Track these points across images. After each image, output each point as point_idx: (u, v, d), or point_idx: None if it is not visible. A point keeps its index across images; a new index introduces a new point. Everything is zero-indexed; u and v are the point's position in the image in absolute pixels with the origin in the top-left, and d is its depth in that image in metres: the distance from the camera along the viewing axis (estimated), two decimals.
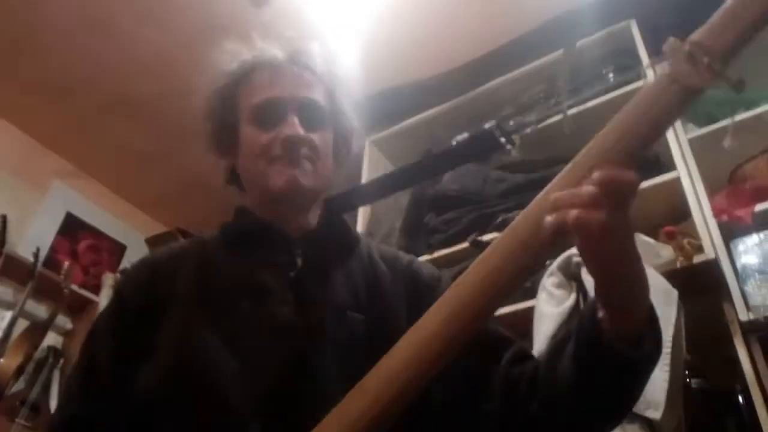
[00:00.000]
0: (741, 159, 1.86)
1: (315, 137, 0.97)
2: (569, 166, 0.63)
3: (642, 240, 1.69)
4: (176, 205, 3.32)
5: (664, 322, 1.48)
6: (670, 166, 1.84)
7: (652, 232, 1.78)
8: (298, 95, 0.98)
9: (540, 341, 1.55)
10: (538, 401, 0.77)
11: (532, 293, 1.74)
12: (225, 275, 0.91)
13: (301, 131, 0.95)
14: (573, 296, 1.62)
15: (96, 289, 2.92)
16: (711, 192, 1.82)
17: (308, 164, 0.95)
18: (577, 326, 0.72)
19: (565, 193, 0.60)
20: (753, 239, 1.65)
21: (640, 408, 1.39)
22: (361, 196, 1.41)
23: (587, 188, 0.58)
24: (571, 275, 1.63)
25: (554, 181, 0.64)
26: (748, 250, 1.64)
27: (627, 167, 0.59)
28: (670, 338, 1.44)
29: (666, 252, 1.63)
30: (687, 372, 1.68)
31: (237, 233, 0.98)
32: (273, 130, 0.95)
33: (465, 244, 2.01)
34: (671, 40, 0.59)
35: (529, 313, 1.68)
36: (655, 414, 1.34)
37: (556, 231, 0.60)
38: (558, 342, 0.78)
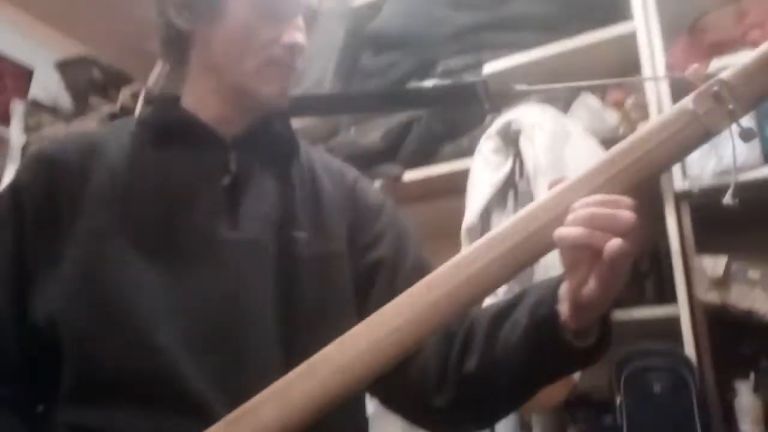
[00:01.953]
0: (707, 8, 1.71)
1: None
2: (573, 180, 0.61)
3: (588, 103, 1.59)
4: (89, 19, 2.95)
5: None
6: (628, 15, 1.67)
7: (599, 90, 1.67)
8: None
9: (471, 213, 1.51)
10: (475, 361, 0.74)
11: (470, 152, 1.67)
12: (146, 178, 0.80)
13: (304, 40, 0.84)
14: (509, 164, 1.55)
15: (4, 120, 2.68)
16: (669, 46, 1.68)
17: (293, 75, 0.86)
18: (532, 307, 0.69)
19: (601, 213, 0.57)
20: None
21: None
22: (310, 106, 1.27)
23: (627, 214, 0.56)
24: (509, 141, 1.54)
25: (560, 190, 0.61)
26: None
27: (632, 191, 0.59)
28: None
29: (611, 118, 1.54)
30: None
31: (160, 128, 0.84)
32: (276, 26, 0.82)
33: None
34: (696, 67, 0.59)
35: (465, 176, 1.62)
36: None
37: (575, 247, 0.57)
38: (501, 308, 0.74)
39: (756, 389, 1.52)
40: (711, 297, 1.43)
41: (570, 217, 0.58)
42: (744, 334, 1.52)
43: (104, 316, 0.71)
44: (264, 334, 0.73)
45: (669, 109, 1.45)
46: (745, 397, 1.52)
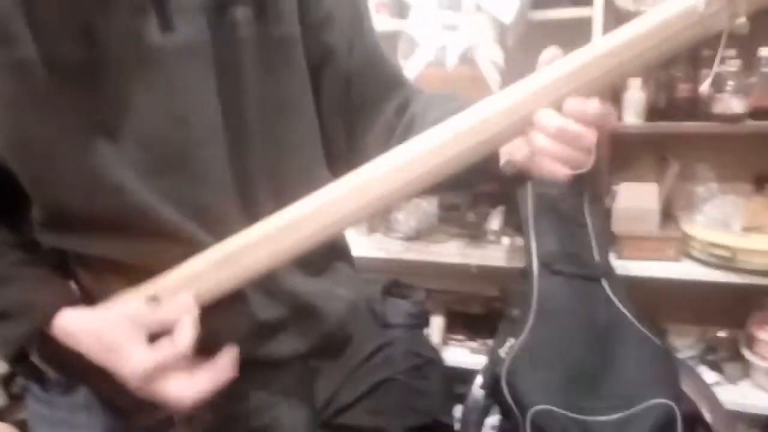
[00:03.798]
0: None
1: None
2: (563, 65, 0.59)
3: None
4: None
5: None
6: None
7: None
8: None
9: None
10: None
11: None
12: None
13: None
14: None
15: None
16: None
17: None
18: None
19: (570, 131, 0.57)
20: None
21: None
22: None
23: (591, 137, 0.57)
24: None
25: (550, 77, 0.59)
26: None
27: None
28: None
29: None
30: None
31: None
32: None
33: None
34: None
35: None
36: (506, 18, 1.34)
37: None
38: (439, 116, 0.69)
39: (643, 85, 1.68)
40: (625, 2, 1.47)
41: (542, 123, 0.59)
42: None
43: (52, 161, 0.64)
44: (216, 151, 0.68)
45: None
46: (634, 92, 1.69)
